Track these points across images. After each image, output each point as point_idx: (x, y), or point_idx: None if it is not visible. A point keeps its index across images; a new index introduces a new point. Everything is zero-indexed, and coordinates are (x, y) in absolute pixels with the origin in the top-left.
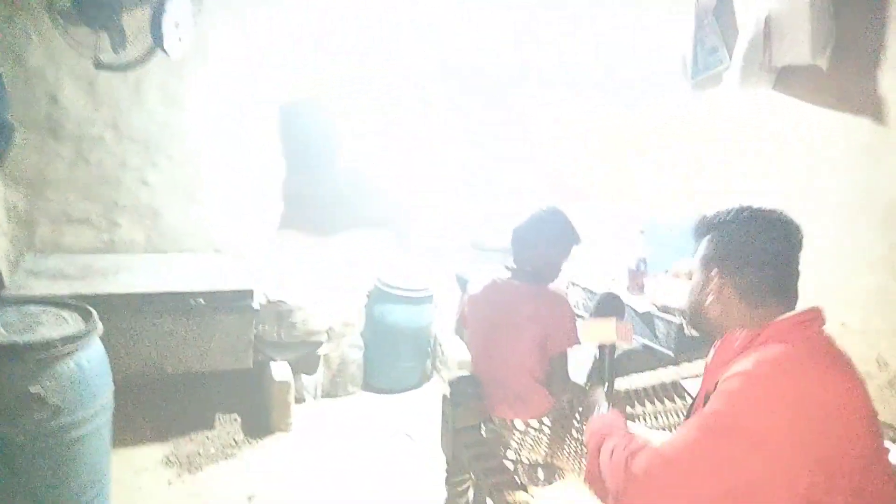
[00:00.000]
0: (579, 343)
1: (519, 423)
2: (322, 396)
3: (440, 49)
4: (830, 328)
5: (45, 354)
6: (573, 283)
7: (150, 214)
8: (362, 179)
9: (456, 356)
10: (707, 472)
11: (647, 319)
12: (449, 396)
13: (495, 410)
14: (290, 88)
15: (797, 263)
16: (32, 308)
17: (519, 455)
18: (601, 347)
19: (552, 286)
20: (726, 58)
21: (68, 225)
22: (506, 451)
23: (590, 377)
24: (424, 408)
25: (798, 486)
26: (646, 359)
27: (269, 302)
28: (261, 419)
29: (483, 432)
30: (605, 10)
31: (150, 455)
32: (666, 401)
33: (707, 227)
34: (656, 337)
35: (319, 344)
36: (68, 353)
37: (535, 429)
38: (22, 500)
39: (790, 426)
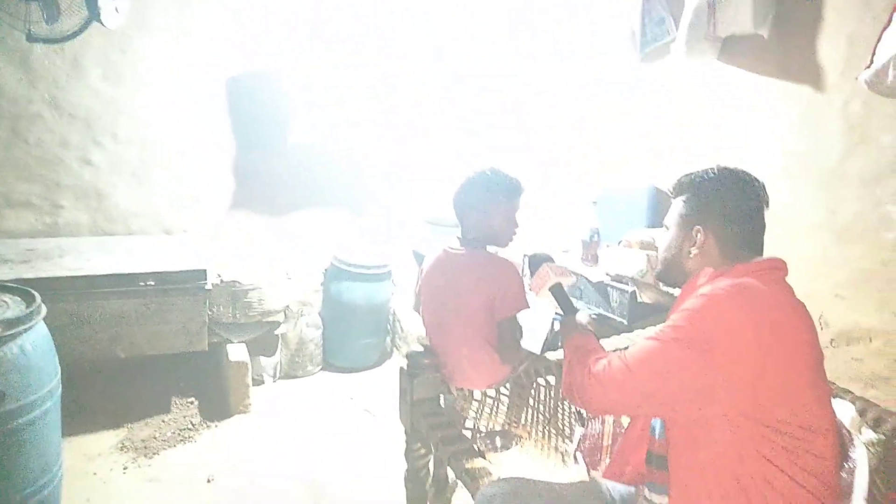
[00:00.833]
0: (527, 307)
1: (476, 393)
2: (281, 377)
3: (435, 37)
4: None
5: None
6: (525, 255)
7: (95, 195)
8: (316, 156)
9: (415, 332)
10: (658, 373)
11: (600, 289)
12: (406, 369)
13: (452, 381)
14: (241, 62)
15: (764, 218)
16: None
17: (477, 423)
18: (553, 292)
19: (499, 252)
20: (673, 29)
21: (8, 208)
22: (464, 420)
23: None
24: (385, 384)
25: (740, 394)
26: (600, 327)
27: (222, 282)
28: (219, 402)
29: (441, 403)
30: None
31: (103, 441)
32: None
33: (684, 187)
34: (610, 306)
35: (277, 324)
36: (11, 338)
37: (492, 398)
38: None
39: (739, 340)
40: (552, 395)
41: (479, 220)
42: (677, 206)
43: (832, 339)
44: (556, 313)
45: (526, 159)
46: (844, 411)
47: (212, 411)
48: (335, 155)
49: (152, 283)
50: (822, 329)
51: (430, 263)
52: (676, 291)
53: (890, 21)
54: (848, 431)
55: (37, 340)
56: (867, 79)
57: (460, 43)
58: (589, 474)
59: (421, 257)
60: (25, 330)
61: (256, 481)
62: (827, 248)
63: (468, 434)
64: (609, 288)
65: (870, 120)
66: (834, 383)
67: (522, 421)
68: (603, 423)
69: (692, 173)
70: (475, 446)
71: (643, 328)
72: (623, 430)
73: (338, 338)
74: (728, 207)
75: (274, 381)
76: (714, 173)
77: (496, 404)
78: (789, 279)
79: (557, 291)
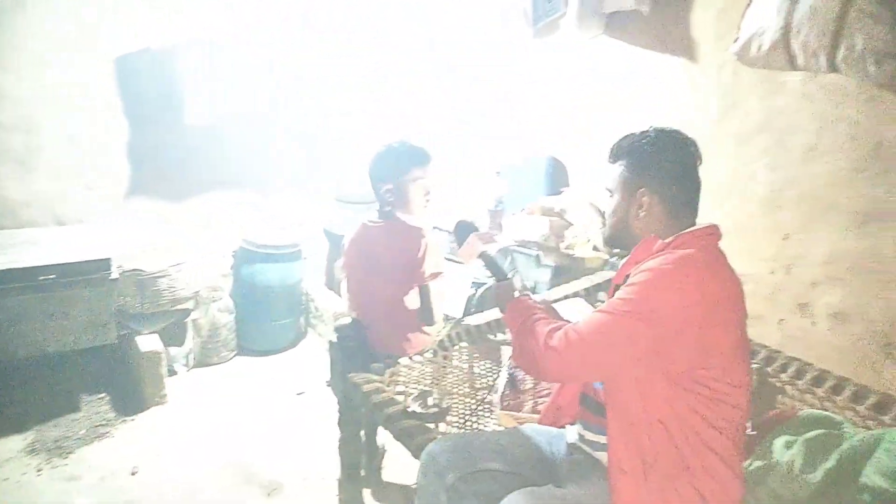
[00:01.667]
0: (442, 272)
1: (404, 359)
2: (195, 366)
3: (428, 27)
4: None
5: None
6: (436, 228)
7: None
8: (216, 137)
9: (331, 309)
10: (610, 344)
11: (507, 253)
12: (336, 342)
13: (380, 349)
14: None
15: (698, 176)
16: None
17: (407, 388)
18: (483, 259)
19: (410, 220)
20: (562, 5)
21: None
22: (395, 386)
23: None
24: (303, 364)
25: (682, 358)
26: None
27: (126, 272)
28: (133, 395)
29: (372, 372)
30: None
31: (9, 446)
32: None
33: (623, 151)
34: (517, 270)
35: (188, 311)
36: None
37: (419, 363)
38: None
39: (683, 312)
40: (469, 356)
41: (390, 191)
42: (618, 170)
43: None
44: (474, 280)
45: (518, 149)
46: None
47: (127, 405)
48: (240, 134)
49: (53, 276)
50: None
51: (351, 237)
52: (581, 252)
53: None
54: None
55: None
56: (736, 51)
57: (453, 32)
58: (514, 418)
59: (333, 236)
60: None
61: (185, 469)
62: (708, 204)
63: (400, 398)
64: (515, 253)
65: (739, 87)
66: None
67: (450, 382)
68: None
69: (629, 137)
70: (408, 408)
71: (548, 289)
72: None
73: (252, 321)
74: (669, 168)
75: (188, 371)
76: (651, 136)
77: (423, 368)
78: None
79: (487, 258)
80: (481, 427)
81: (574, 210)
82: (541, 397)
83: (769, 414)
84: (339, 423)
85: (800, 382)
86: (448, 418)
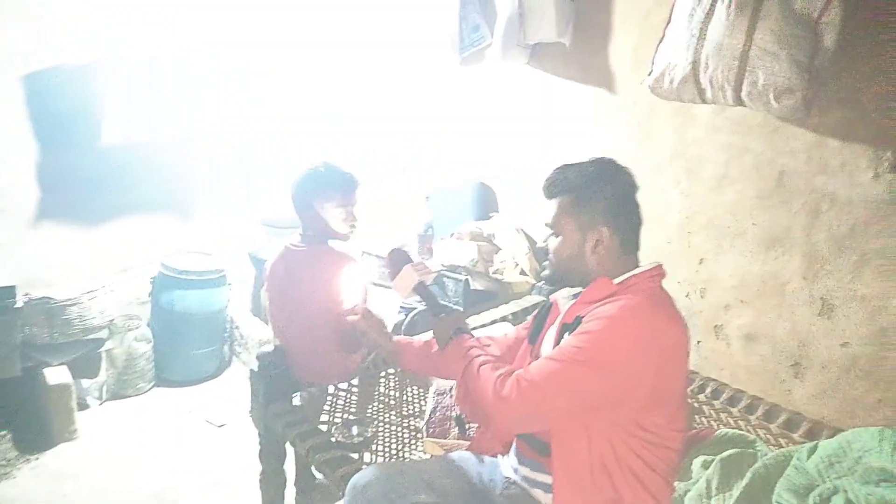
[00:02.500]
0: (364, 300)
1: (330, 388)
2: (108, 398)
3: (357, 50)
4: None
5: None
6: (365, 253)
7: None
8: (135, 158)
9: (257, 336)
10: (564, 394)
11: (437, 279)
12: (257, 370)
13: (303, 377)
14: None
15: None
16: None
17: (332, 417)
18: (417, 291)
19: (337, 246)
20: (488, 35)
21: None
22: (319, 415)
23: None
24: (226, 394)
25: (633, 405)
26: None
27: (33, 300)
28: (40, 431)
29: (295, 401)
30: None
31: None
32: None
33: (564, 186)
34: (447, 295)
35: (101, 341)
36: None
37: (344, 390)
38: None
39: (636, 363)
40: (398, 383)
41: (315, 215)
42: (563, 206)
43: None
44: (402, 305)
45: (447, 174)
46: None
47: (31, 443)
48: (160, 156)
49: None
50: None
51: (273, 261)
52: (509, 277)
53: (664, 36)
54: None
55: None
56: (650, 83)
57: (381, 57)
58: (440, 445)
59: (258, 261)
60: None
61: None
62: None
63: (324, 427)
64: (444, 278)
65: (652, 118)
66: None
67: (373, 410)
68: (451, 396)
69: (567, 169)
70: (332, 439)
71: (478, 314)
72: None
73: (171, 350)
74: (619, 200)
75: (101, 404)
76: (596, 167)
77: (349, 396)
78: None
79: (423, 291)
80: (410, 456)
81: (503, 235)
82: (472, 423)
83: (688, 434)
84: (260, 456)
85: (716, 402)
86: (375, 447)
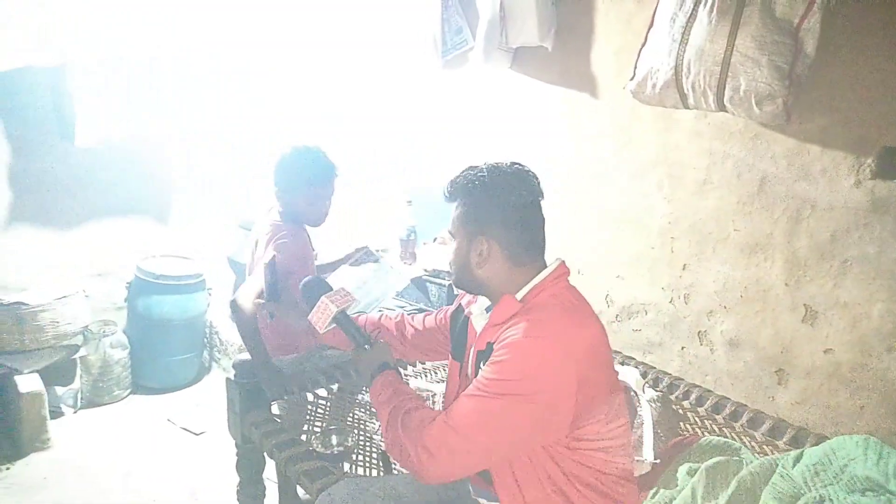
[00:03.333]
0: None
1: (308, 395)
2: (83, 406)
3: (339, 52)
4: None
5: None
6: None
7: None
8: (110, 160)
9: (237, 342)
10: (489, 430)
11: (420, 284)
12: (234, 378)
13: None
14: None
15: (542, 212)
16: None
17: (311, 426)
18: (338, 324)
19: (287, 227)
20: (470, 38)
21: None
22: (298, 425)
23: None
24: (205, 401)
25: (565, 421)
26: None
27: (4, 305)
28: (10, 441)
29: (272, 410)
30: None
31: None
32: None
33: (457, 191)
34: (430, 300)
35: (75, 347)
36: None
37: (323, 398)
38: None
39: (549, 385)
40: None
41: (299, 198)
42: (456, 211)
43: (617, 315)
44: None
45: (430, 177)
46: (630, 375)
47: (1, 452)
48: (136, 158)
49: None
50: (608, 306)
51: (265, 231)
52: None
53: (646, 40)
54: (634, 392)
55: None
56: (632, 88)
57: (364, 58)
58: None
59: (237, 265)
60: None
61: None
62: (608, 235)
63: (303, 437)
64: (427, 283)
65: (634, 123)
66: (620, 352)
67: (353, 418)
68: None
69: (464, 174)
70: (311, 448)
71: None
72: None
73: (148, 357)
74: (507, 212)
75: (75, 412)
76: (485, 174)
77: (328, 404)
78: (581, 265)
79: (343, 323)
80: (393, 466)
81: None
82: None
83: (672, 441)
84: (237, 467)
85: (701, 409)
86: (356, 457)
